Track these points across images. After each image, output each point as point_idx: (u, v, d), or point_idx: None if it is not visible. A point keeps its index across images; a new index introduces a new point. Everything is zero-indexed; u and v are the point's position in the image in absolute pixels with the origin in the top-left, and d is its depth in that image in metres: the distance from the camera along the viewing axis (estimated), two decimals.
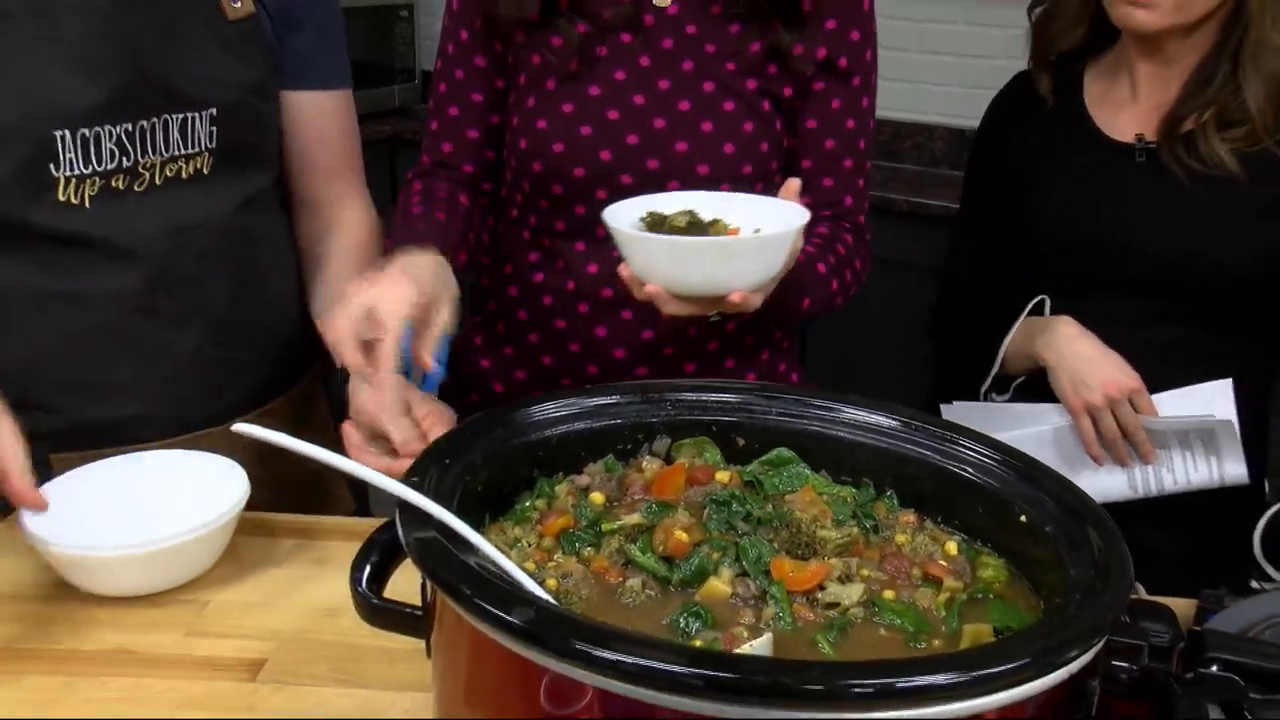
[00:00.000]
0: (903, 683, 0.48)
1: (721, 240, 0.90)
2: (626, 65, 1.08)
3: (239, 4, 1.03)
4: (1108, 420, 1.19)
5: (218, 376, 1.06)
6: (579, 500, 0.68)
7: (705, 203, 0.95)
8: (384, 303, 0.88)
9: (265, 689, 0.76)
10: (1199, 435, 1.17)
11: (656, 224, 0.93)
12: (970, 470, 0.67)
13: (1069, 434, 1.22)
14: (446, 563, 0.54)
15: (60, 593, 0.85)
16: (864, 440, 0.71)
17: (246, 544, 0.93)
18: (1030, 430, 1.23)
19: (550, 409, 0.71)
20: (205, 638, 0.81)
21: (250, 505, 0.90)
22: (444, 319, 0.93)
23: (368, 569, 0.64)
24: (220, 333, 1.07)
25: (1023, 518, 0.64)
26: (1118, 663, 0.58)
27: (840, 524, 0.67)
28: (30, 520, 0.83)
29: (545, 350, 1.16)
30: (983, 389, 1.30)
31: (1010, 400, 1.29)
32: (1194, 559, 1.23)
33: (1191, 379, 1.20)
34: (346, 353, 0.87)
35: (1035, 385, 1.26)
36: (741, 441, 0.73)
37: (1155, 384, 1.19)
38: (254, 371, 1.12)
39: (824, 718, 0.48)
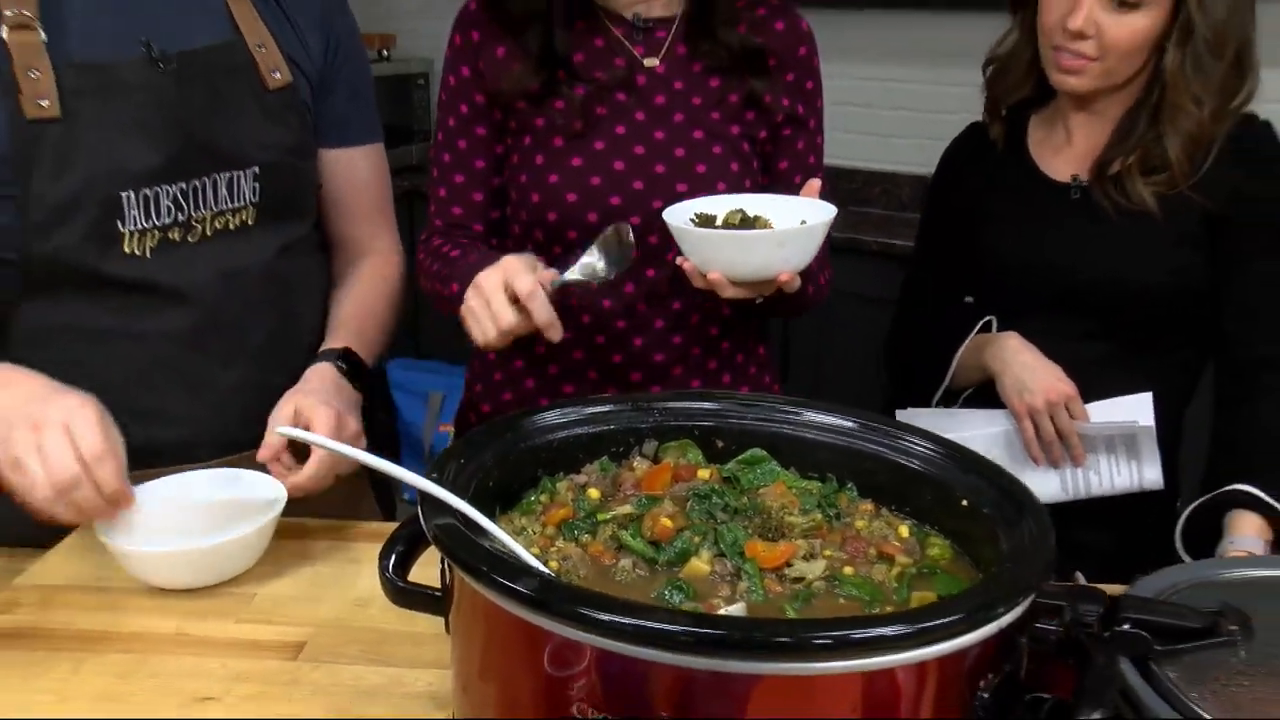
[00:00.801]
0: (858, 634, 0.57)
1: (776, 231, 1.07)
2: (625, 121, 1.23)
3: (278, 74, 1.14)
4: (1046, 423, 1.32)
5: (258, 404, 1.17)
6: (578, 495, 0.79)
7: (747, 203, 1.12)
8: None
9: (305, 666, 0.86)
10: (1123, 441, 1.31)
11: (707, 222, 1.09)
12: (918, 463, 0.77)
13: (1013, 436, 1.36)
14: (463, 544, 0.64)
15: (130, 587, 0.96)
16: (826, 440, 0.81)
17: (287, 546, 1.03)
18: (978, 433, 1.36)
19: (552, 417, 0.81)
20: (252, 624, 0.92)
21: (288, 513, 1.02)
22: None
23: (393, 557, 0.74)
24: (260, 366, 1.18)
25: (964, 502, 0.74)
26: (1043, 625, 0.67)
27: (806, 512, 0.77)
28: (105, 526, 0.94)
29: (565, 379, 1.29)
30: (934, 399, 1.44)
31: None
32: (1125, 553, 1.36)
33: (1117, 391, 1.33)
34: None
35: (980, 399, 1.40)
36: (720, 443, 0.83)
37: (1086, 394, 1.33)
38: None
39: (791, 667, 0.58)
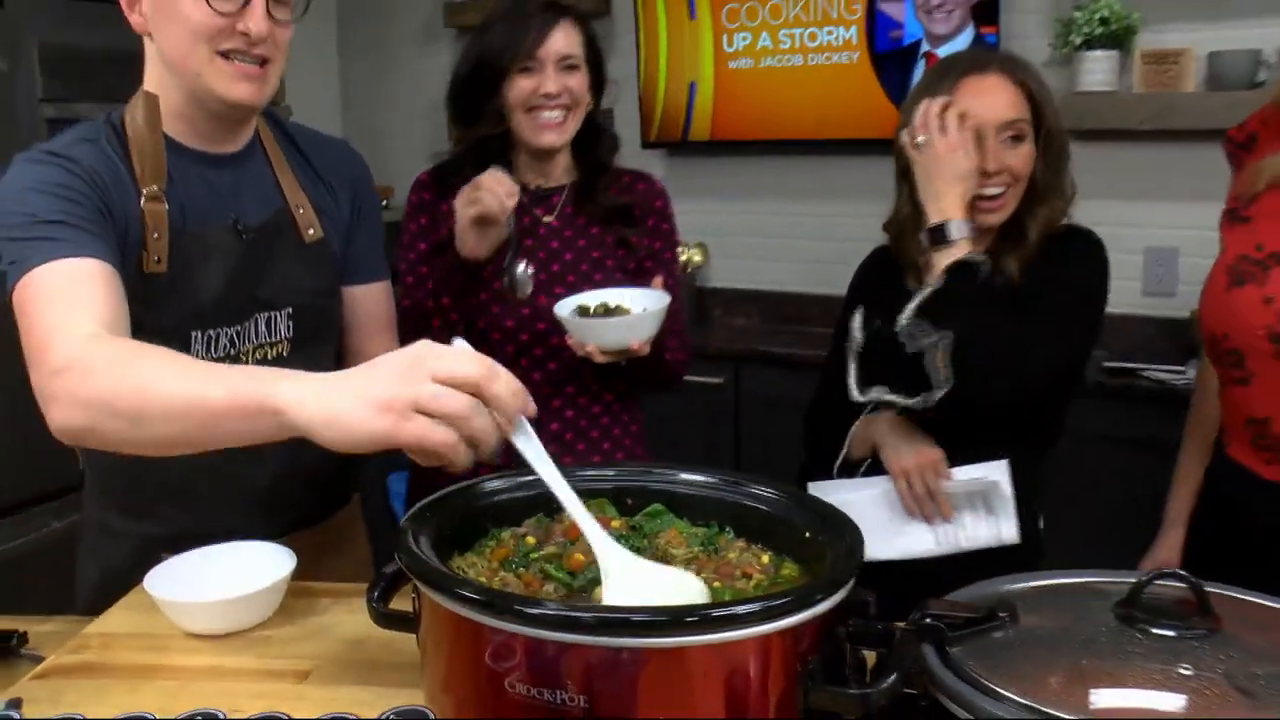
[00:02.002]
0: (716, 612, 0.82)
1: (629, 316, 1.56)
2: (533, 260, 1.70)
3: (312, 231, 1.42)
4: (918, 482, 1.60)
5: (281, 504, 1.42)
6: (518, 541, 1.03)
7: (609, 296, 1.61)
8: None
9: (311, 687, 1.09)
10: (982, 499, 1.57)
11: (584, 311, 1.58)
12: (772, 508, 1.03)
13: (893, 495, 1.62)
14: (428, 570, 0.89)
15: (172, 633, 1.20)
16: (707, 494, 1.06)
17: (296, 602, 1.27)
18: (867, 493, 1.64)
19: (499, 484, 1.07)
20: (269, 658, 1.15)
21: (296, 578, 1.26)
22: None
23: (377, 591, 0.99)
24: (285, 473, 1.43)
25: (806, 533, 0.99)
26: (857, 620, 0.92)
27: (690, 548, 1.02)
28: (153, 584, 1.19)
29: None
30: (835, 466, 1.71)
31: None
32: None
33: (979, 459, 1.60)
34: None
35: (876, 469, 1.67)
36: (629, 501, 1.09)
37: (952, 460, 1.61)
38: (307, 500, 1.49)
39: (670, 641, 0.80)
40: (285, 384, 0.93)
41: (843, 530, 0.95)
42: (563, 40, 1.69)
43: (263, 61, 1.31)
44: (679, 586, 0.93)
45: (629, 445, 1.81)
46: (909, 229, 1.67)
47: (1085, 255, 1.64)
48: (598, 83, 1.76)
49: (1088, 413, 2.41)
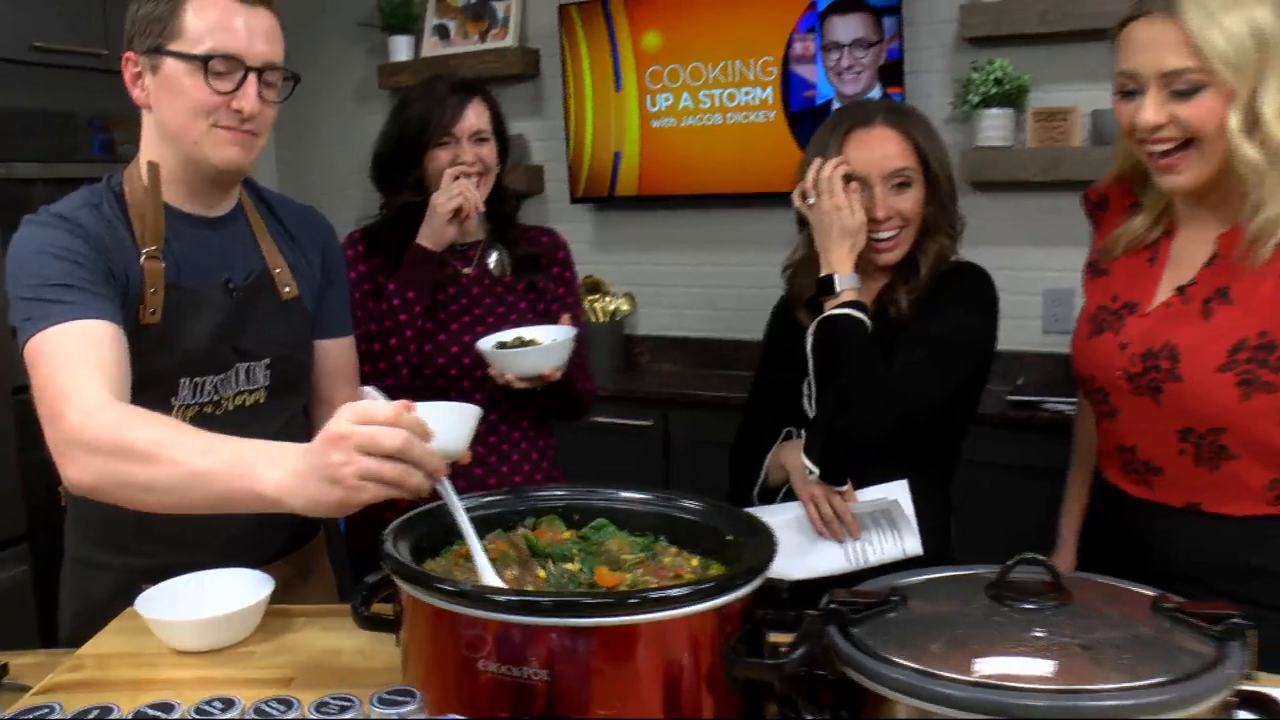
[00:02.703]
0: (653, 594, 0.98)
1: (540, 346, 1.80)
2: (456, 305, 1.98)
3: (288, 289, 1.57)
4: (824, 505, 1.75)
5: (254, 540, 1.55)
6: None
7: (523, 332, 1.86)
8: None
9: (296, 691, 1.22)
10: (886, 518, 1.74)
11: (502, 345, 1.82)
12: (699, 518, 1.20)
13: (805, 518, 1.77)
14: (411, 572, 1.04)
15: (161, 651, 1.33)
16: (642, 509, 1.23)
17: (274, 622, 1.40)
18: (780, 517, 1.77)
19: (465, 503, 1.22)
20: (253, 669, 1.28)
21: (275, 602, 1.40)
22: None
23: (359, 598, 1.14)
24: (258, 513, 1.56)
25: (728, 537, 1.15)
26: (773, 607, 1.08)
27: (633, 554, 1.18)
28: (144, 605, 1.31)
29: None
30: (754, 493, 1.87)
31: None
32: None
33: (883, 479, 1.76)
34: None
35: (790, 496, 1.82)
36: (577, 516, 1.25)
37: (858, 482, 1.76)
38: (277, 537, 1.62)
39: (615, 620, 0.96)
40: (264, 472, 1.11)
41: (758, 532, 1.12)
42: (474, 116, 1.97)
43: (251, 134, 1.46)
44: None
45: (546, 467, 2.06)
46: (801, 271, 1.87)
47: (969, 291, 1.82)
48: (503, 149, 2.05)
49: (993, 443, 2.64)
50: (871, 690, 1.02)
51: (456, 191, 1.89)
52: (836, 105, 3.46)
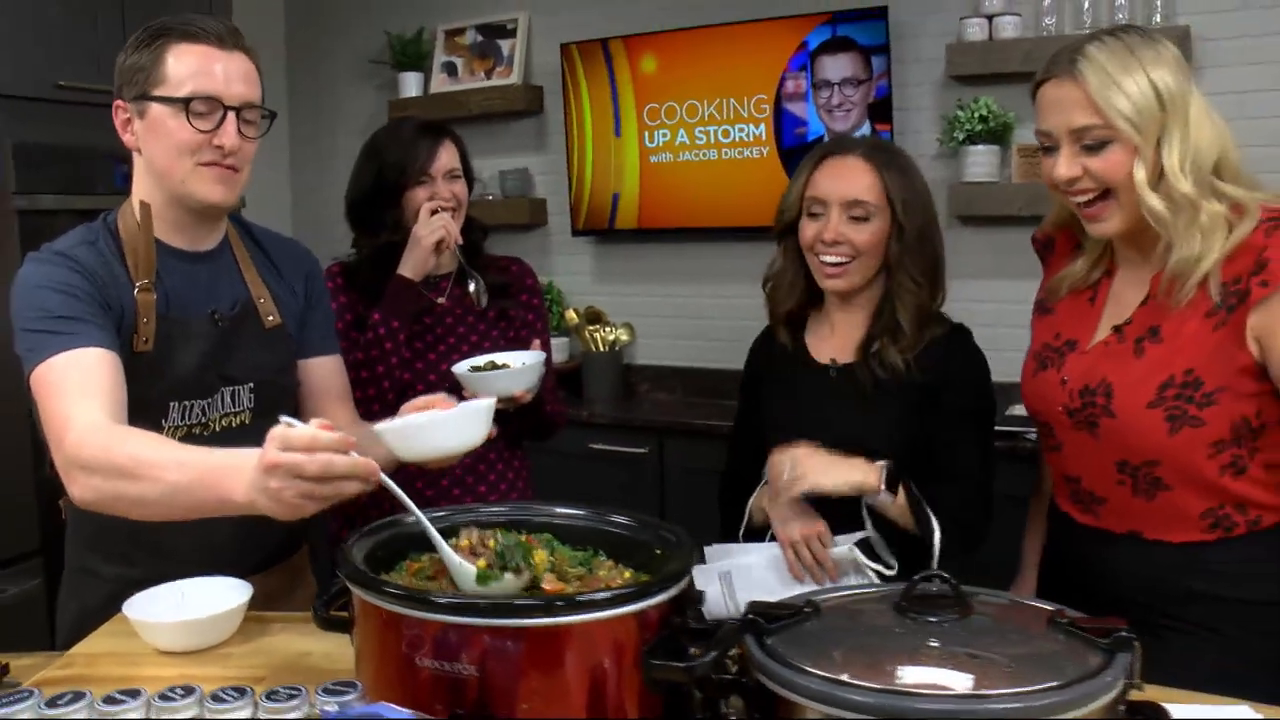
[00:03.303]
0: (581, 598, 1.08)
1: (510, 370, 1.88)
2: (431, 334, 2.09)
3: (272, 318, 1.69)
4: (804, 551, 1.77)
5: (239, 551, 1.66)
6: (429, 562, 1.29)
7: (495, 357, 1.93)
8: None
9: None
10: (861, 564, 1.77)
11: (476, 369, 1.89)
12: (631, 533, 1.30)
13: (781, 561, 1.80)
14: (362, 577, 1.15)
15: (146, 652, 1.44)
16: (580, 524, 1.33)
17: (251, 627, 1.51)
18: (759, 557, 1.82)
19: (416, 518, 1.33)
20: (229, 669, 1.39)
21: (252, 609, 1.50)
22: None
23: (320, 601, 1.24)
24: (245, 525, 1.65)
25: (657, 550, 1.25)
26: (693, 615, 1.18)
27: (573, 569, 1.28)
28: (130, 608, 1.42)
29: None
30: (740, 533, 1.91)
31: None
32: None
33: (858, 524, 1.79)
34: None
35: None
36: (523, 532, 1.34)
37: (836, 528, 1.78)
38: (262, 548, 1.73)
39: (546, 621, 1.06)
40: (229, 485, 1.22)
41: (682, 547, 1.22)
42: (447, 156, 2.09)
43: (233, 169, 1.58)
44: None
45: (521, 487, 2.19)
46: (780, 282, 1.95)
47: (981, 363, 1.89)
48: (469, 184, 2.17)
49: None
50: (782, 696, 1.11)
51: (439, 225, 2.01)
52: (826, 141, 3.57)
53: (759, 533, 1.89)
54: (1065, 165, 1.53)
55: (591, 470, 3.55)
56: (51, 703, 1.05)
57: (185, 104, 1.52)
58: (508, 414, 1.92)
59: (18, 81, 3.06)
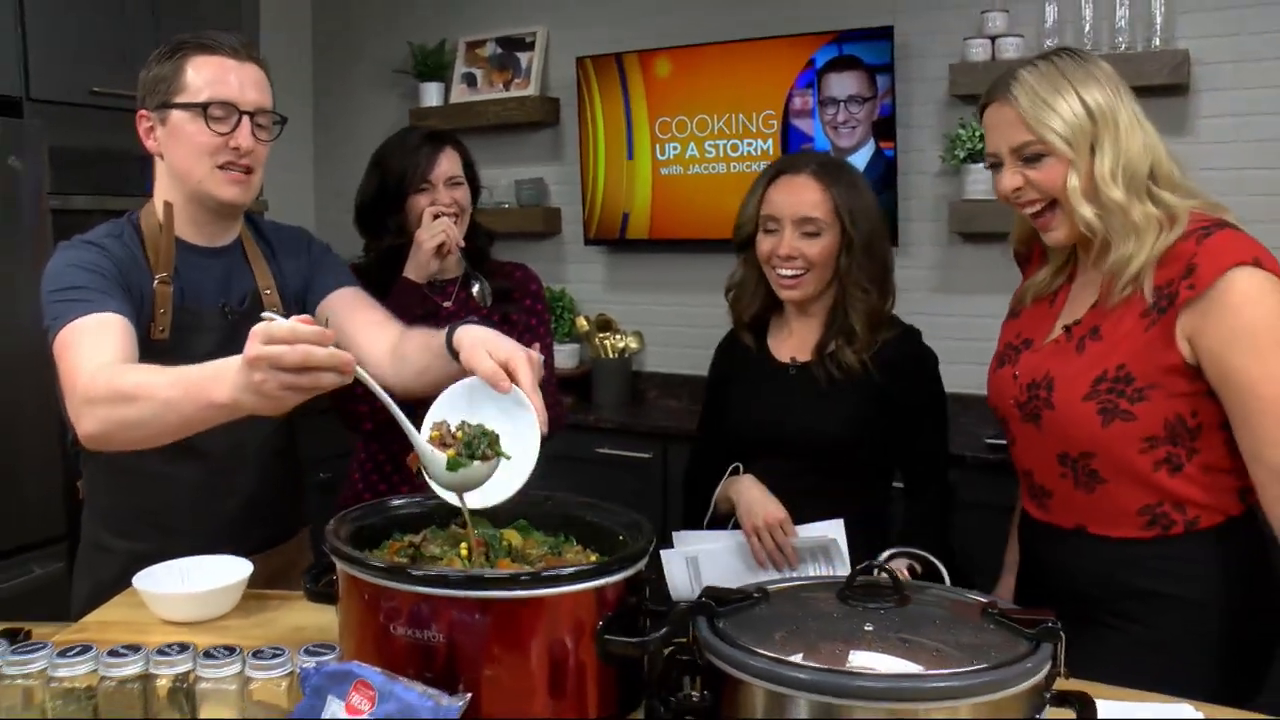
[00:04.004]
0: (545, 574, 1.18)
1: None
2: None
3: (277, 310, 1.78)
4: (766, 538, 1.90)
5: (244, 530, 1.78)
6: (413, 544, 1.39)
7: None
8: None
9: None
10: (822, 552, 1.89)
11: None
12: (598, 519, 1.40)
13: (746, 547, 1.93)
14: (343, 550, 1.25)
15: (153, 622, 1.55)
16: (554, 512, 1.43)
17: (251, 603, 1.62)
18: (723, 545, 1.94)
19: (399, 502, 1.45)
20: (230, 639, 1.46)
21: (251, 586, 1.62)
22: None
23: (309, 575, 1.35)
24: (248, 506, 1.79)
25: (620, 536, 1.35)
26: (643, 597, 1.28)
27: (536, 551, 1.38)
28: (140, 581, 1.54)
29: (405, 483, 2.01)
30: (705, 522, 2.04)
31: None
32: None
33: (820, 514, 1.92)
34: None
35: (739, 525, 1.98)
36: (500, 516, 1.45)
37: (798, 517, 1.92)
38: (266, 527, 1.85)
39: (511, 594, 1.16)
40: (214, 390, 1.32)
41: (641, 533, 1.32)
42: (448, 163, 2.17)
43: (248, 170, 1.71)
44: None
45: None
46: (742, 292, 2.09)
47: (933, 363, 2.07)
48: (474, 191, 2.25)
49: (972, 483, 2.78)
50: (729, 674, 1.20)
51: (440, 229, 2.09)
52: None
53: (723, 520, 2.04)
54: (1008, 178, 1.66)
55: (598, 474, 3.65)
56: (62, 654, 1.16)
57: (204, 109, 1.65)
58: None
59: (56, 88, 3.22)
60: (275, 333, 1.21)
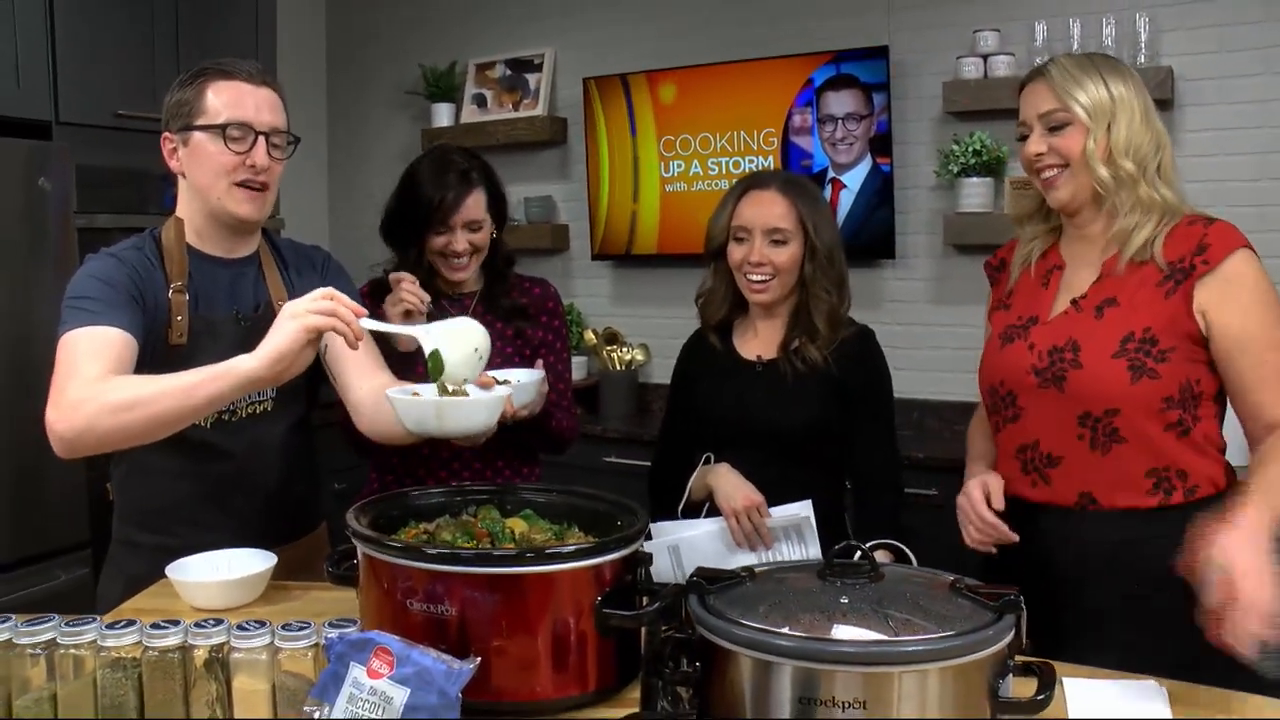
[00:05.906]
0: (549, 550, 1.30)
1: (511, 385, 1.83)
2: None
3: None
4: (745, 521, 2.04)
5: (266, 524, 1.89)
6: (428, 531, 1.51)
7: (497, 374, 1.87)
8: None
9: None
10: (794, 530, 2.01)
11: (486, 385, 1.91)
12: (598, 506, 1.51)
13: (725, 531, 2.06)
14: (364, 533, 1.37)
15: (184, 609, 1.66)
16: (558, 501, 1.55)
17: (275, 592, 1.74)
18: (703, 530, 2.07)
19: (416, 494, 1.56)
20: None
21: (275, 578, 1.73)
22: None
23: (331, 559, 1.47)
24: (270, 501, 1.90)
25: (618, 522, 1.46)
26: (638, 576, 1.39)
27: (541, 536, 1.50)
28: (172, 571, 1.65)
29: (430, 477, 2.14)
30: (679, 509, 2.17)
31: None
32: None
33: (787, 498, 2.06)
34: None
35: (711, 512, 2.12)
36: (508, 506, 1.56)
37: (770, 500, 2.05)
38: (285, 522, 1.96)
39: (519, 570, 1.28)
40: (243, 363, 1.54)
41: (637, 518, 1.44)
42: (472, 208, 2.16)
43: (263, 186, 1.83)
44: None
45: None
46: (711, 299, 2.25)
47: (882, 359, 2.22)
48: (499, 218, 2.25)
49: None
50: (718, 645, 1.31)
51: (399, 299, 2.03)
52: (831, 174, 3.79)
53: (696, 507, 2.17)
54: (1034, 143, 1.83)
55: (604, 483, 3.71)
56: (109, 627, 1.28)
57: (223, 130, 1.78)
58: (506, 426, 2.03)
59: (82, 111, 3.35)
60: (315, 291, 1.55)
